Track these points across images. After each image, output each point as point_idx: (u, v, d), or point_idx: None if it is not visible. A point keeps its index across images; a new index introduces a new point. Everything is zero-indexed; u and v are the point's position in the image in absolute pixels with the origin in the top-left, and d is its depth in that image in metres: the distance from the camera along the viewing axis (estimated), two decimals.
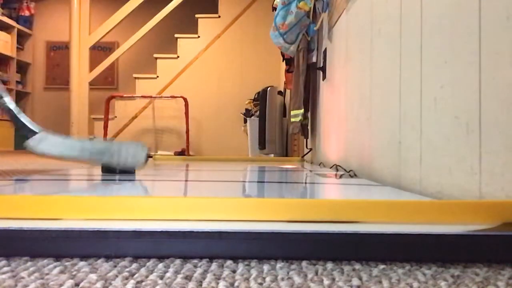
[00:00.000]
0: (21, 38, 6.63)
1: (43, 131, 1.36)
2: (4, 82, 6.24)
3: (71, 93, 5.51)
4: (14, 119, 1.38)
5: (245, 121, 4.65)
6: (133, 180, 1.26)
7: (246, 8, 5.77)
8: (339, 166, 1.73)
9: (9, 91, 6.34)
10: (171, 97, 5.35)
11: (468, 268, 0.48)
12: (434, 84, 0.92)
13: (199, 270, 0.46)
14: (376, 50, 1.36)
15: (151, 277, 0.43)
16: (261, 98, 4.22)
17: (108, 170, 1.29)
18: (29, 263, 0.47)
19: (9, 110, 1.37)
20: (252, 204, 0.59)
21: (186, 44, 5.79)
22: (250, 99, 4.78)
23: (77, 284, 0.41)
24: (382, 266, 0.48)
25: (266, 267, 0.47)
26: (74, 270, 0.45)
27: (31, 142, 1.35)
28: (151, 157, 1.38)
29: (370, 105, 1.41)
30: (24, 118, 1.38)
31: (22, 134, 1.37)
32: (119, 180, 1.25)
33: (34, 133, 1.36)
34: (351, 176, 1.45)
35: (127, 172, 1.31)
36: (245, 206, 0.59)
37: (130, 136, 5.68)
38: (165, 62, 5.78)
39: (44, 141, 1.34)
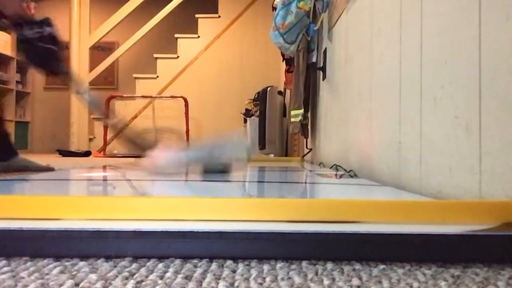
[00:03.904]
0: None
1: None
2: (4, 82, 6.24)
3: (71, 93, 5.52)
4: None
5: (245, 121, 4.65)
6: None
7: (246, 8, 5.77)
8: (339, 166, 1.73)
9: (9, 91, 6.34)
10: (171, 97, 5.35)
11: (468, 268, 0.48)
12: (434, 84, 0.92)
13: (199, 270, 0.46)
14: (376, 50, 1.36)
15: (151, 277, 0.44)
16: (261, 98, 4.22)
17: (207, 171, 1.34)
18: (29, 263, 0.47)
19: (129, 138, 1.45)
20: (252, 204, 0.59)
21: (186, 44, 5.79)
22: (250, 99, 4.78)
23: (77, 284, 0.41)
24: (382, 266, 0.48)
25: (266, 267, 0.47)
26: (74, 270, 0.45)
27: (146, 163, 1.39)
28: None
29: (370, 105, 1.41)
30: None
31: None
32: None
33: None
34: (351, 176, 1.45)
35: (224, 172, 1.34)
36: (245, 206, 0.59)
37: None
38: (165, 62, 5.78)
39: (161, 161, 1.38)
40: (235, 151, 1.40)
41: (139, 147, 1.45)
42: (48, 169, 1.83)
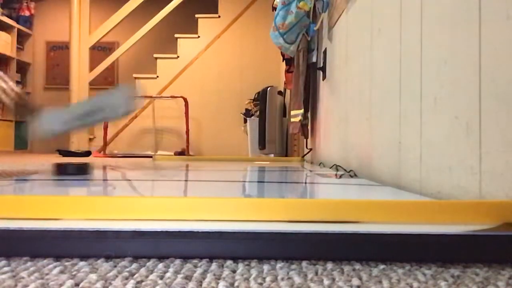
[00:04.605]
0: (21, 38, 6.63)
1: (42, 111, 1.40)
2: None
3: (71, 93, 5.52)
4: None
5: (245, 121, 4.65)
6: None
7: (246, 8, 5.77)
8: (339, 166, 1.73)
9: None
10: (171, 97, 5.35)
11: (468, 268, 0.48)
12: (434, 84, 0.92)
13: (199, 270, 0.46)
14: (376, 50, 1.36)
15: (151, 277, 0.43)
16: (261, 98, 4.22)
17: (62, 172, 1.38)
18: (29, 263, 0.47)
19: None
20: (252, 204, 0.59)
21: (186, 44, 5.79)
22: (250, 99, 4.78)
23: (77, 284, 0.41)
24: (382, 266, 0.48)
25: (266, 267, 0.47)
26: (74, 270, 0.45)
27: (32, 129, 1.39)
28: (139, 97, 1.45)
29: (370, 105, 1.41)
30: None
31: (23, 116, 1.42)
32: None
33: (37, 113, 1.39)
34: (351, 176, 1.45)
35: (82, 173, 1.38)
36: (245, 206, 0.59)
37: (130, 136, 5.69)
38: (165, 62, 5.78)
39: (44, 123, 1.38)
40: (122, 99, 1.35)
41: (27, 110, 1.45)
42: None
